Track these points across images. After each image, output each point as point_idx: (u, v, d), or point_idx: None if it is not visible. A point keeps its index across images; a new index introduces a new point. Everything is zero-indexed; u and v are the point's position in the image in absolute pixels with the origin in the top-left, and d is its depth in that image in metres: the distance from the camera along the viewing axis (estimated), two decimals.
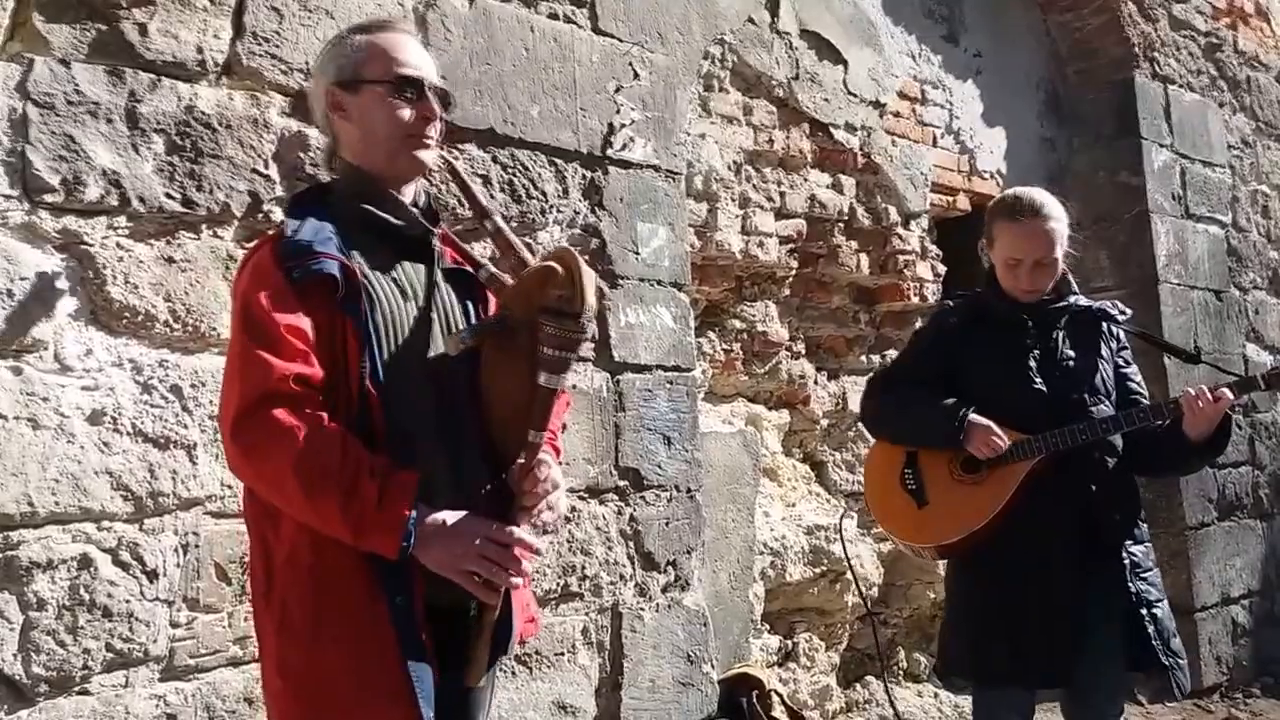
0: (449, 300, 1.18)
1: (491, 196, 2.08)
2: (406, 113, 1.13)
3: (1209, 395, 1.63)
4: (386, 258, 1.14)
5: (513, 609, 1.15)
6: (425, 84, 1.15)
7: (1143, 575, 1.68)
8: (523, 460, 1.11)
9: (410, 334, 1.12)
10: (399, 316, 1.11)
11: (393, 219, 1.15)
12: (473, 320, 1.18)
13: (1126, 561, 1.67)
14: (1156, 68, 3.70)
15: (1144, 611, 1.65)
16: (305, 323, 1.05)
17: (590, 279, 1.08)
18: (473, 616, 1.10)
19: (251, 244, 1.38)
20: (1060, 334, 1.74)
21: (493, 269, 1.20)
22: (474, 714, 1.19)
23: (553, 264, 1.09)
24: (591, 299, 1.07)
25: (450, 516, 1.05)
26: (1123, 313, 1.80)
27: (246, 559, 1.29)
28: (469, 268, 1.22)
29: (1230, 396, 1.64)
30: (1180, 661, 1.68)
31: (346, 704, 1.04)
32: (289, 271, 1.06)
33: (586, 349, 1.53)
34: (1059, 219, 1.70)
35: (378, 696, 1.03)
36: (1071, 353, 1.73)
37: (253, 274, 1.09)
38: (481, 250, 1.74)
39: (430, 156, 1.18)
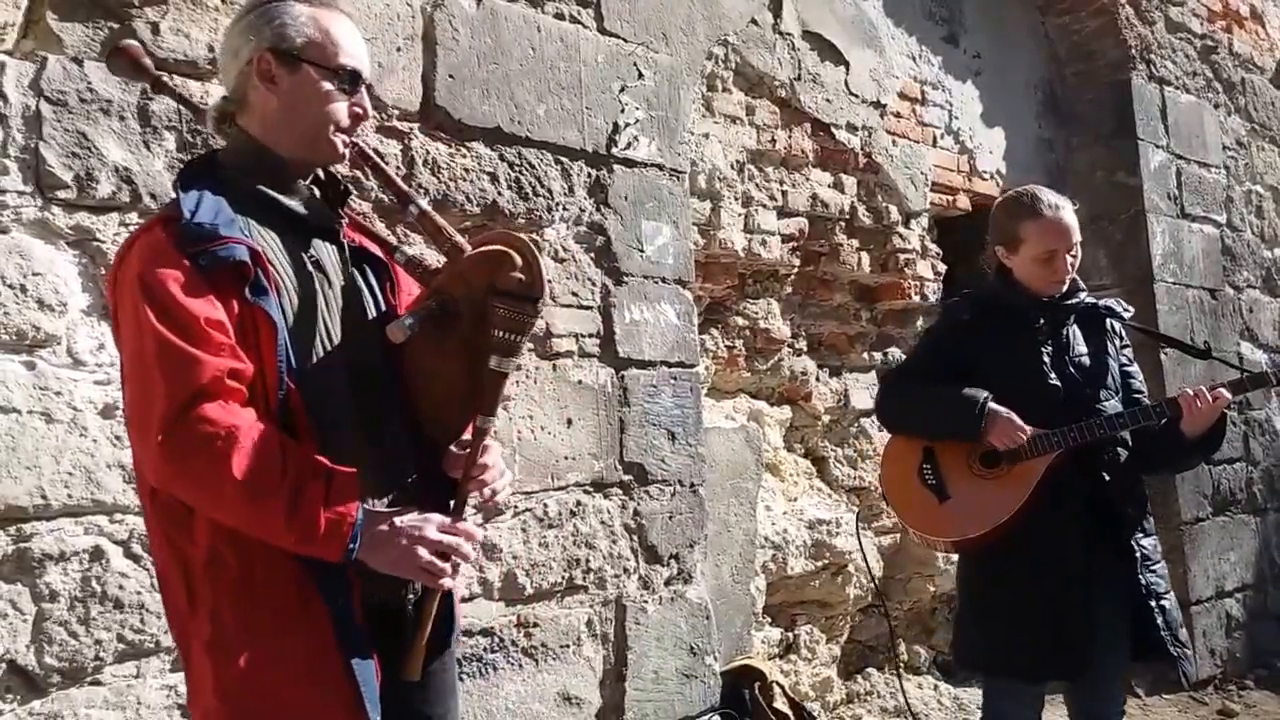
0: (358, 282, 1.13)
1: (500, 194, 2.10)
2: (342, 107, 1.08)
3: (1207, 395, 1.67)
4: (297, 239, 1.07)
5: (454, 602, 1.14)
6: (364, 80, 1.10)
7: (1151, 567, 1.71)
8: (470, 446, 1.09)
9: (325, 320, 1.06)
10: (311, 301, 1.05)
11: (298, 207, 1.08)
12: (380, 302, 1.14)
13: (1138, 554, 1.70)
14: (1153, 69, 3.73)
15: (1153, 603, 1.68)
16: (221, 313, 0.97)
17: (543, 262, 1.08)
18: (411, 611, 1.08)
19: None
20: (1070, 330, 1.77)
21: (411, 252, 1.15)
22: (427, 711, 1.13)
23: (505, 249, 1.07)
24: (547, 282, 1.08)
25: (393, 515, 1.02)
26: (1126, 309, 1.83)
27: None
28: (374, 248, 1.17)
29: (1227, 396, 1.68)
30: (1187, 651, 1.72)
31: (294, 715, 0.98)
32: (194, 258, 0.97)
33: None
34: (1072, 209, 1.78)
35: (326, 704, 0.99)
36: (1084, 349, 1.77)
37: (149, 258, 0.98)
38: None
39: (348, 150, 1.12)
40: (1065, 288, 1.75)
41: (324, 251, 1.11)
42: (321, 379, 1.04)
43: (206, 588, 0.99)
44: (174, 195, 1.06)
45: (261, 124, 1.07)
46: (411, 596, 1.09)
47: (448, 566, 1.02)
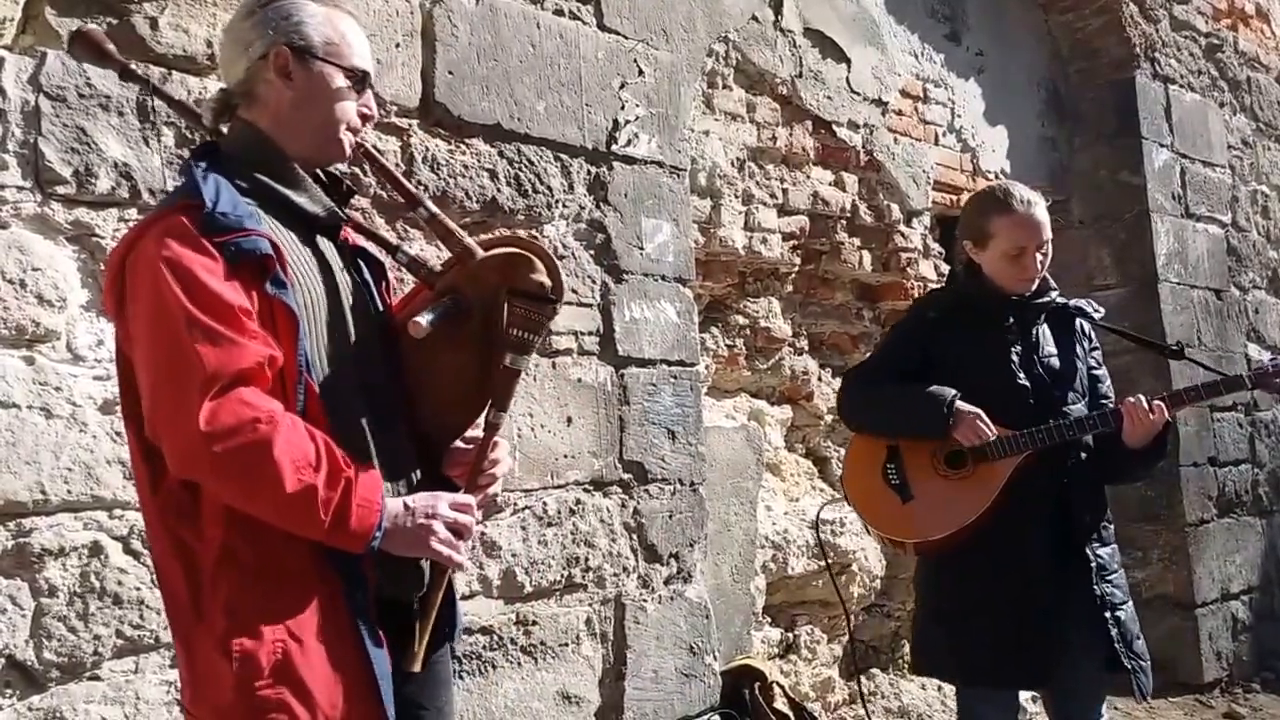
0: (358, 280, 1.14)
1: (499, 190, 2.10)
2: (352, 107, 1.10)
3: (1145, 406, 1.63)
4: (302, 234, 1.08)
5: (456, 597, 1.15)
6: (371, 81, 1.12)
7: (1108, 578, 1.68)
8: (481, 440, 1.11)
9: (332, 316, 1.07)
10: (322, 297, 1.06)
11: (307, 204, 1.08)
12: (378, 300, 1.16)
13: (1093, 564, 1.66)
14: (1157, 68, 3.72)
15: (1107, 614, 1.65)
16: (249, 303, 0.97)
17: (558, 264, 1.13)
18: (416, 604, 1.09)
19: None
20: (1040, 330, 1.74)
21: (412, 252, 1.17)
22: (423, 703, 1.13)
23: (523, 251, 1.12)
24: (565, 284, 1.12)
25: (405, 499, 1.04)
26: (1096, 310, 1.79)
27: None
28: (372, 247, 1.18)
29: (1165, 410, 1.63)
30: (1143, 664, 1.67)
31: (315, 705, 0.97)
32: (220, 247, 0.96)
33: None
34: (1045, 206, 1.74)
35: (347, 695, 0.99)
36: (1053, 349, 1.74)
37: (173, 243, 0.96)
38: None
39: (352, 150, 1.13)
40: (1035, 286, 1.72)
41: (326, 248, 1.12)
42: (334, 375, 1.04)
43: (219, 583, 0.97)
44: (182, 182, 1.05)
45: (273, 118, 1.07)
46: (417, 591, 1.10)
47: (462, 545, 1.04)
